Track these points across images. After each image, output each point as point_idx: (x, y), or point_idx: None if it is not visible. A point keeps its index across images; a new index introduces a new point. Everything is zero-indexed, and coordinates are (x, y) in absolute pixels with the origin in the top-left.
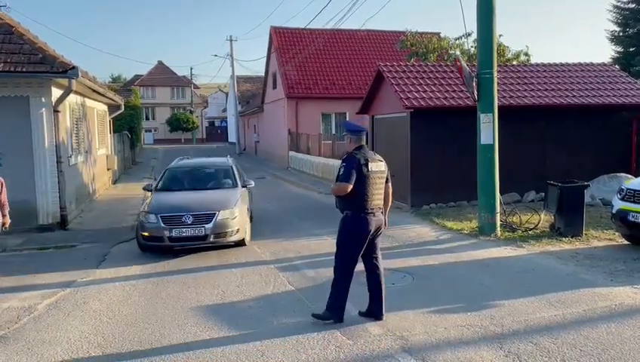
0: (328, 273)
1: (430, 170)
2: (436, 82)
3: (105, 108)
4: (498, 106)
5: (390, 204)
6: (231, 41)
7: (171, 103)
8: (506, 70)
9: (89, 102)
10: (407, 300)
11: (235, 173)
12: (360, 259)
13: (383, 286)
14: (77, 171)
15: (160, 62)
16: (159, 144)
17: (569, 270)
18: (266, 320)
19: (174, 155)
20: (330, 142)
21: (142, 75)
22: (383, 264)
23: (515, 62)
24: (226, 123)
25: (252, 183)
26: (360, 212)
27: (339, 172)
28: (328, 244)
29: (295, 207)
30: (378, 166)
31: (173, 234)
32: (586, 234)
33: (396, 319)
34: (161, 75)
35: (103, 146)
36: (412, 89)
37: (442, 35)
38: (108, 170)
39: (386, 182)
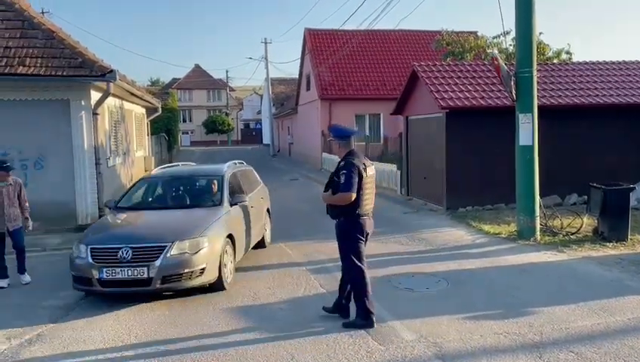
0: None
1: (466, 171)
2: (473, 82)
3: (143, 110)
4: (538, 106)
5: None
6: (265, 43)
7: (207, 106)
8: (546, 69)
9: (127, 105)
10: (441, 305)
11: (225, 186)
12: (340, 258)
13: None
14: (115, 173)
15: (197, 66)
16: (196, 146)
17: (613, 276)
18: (297, 323)
19: (210, 157)
20: (364, 143)
21: (179, 79)
22: (417, 267)
23: (555, 61)
24: (261, 125)
25: (245, 200)
26: (356, 216)
27: (336, 179)
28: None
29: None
30: (372, 170)
31: (104, 275)
32: (631, 239)
33: (430, 325)
34: (198, 78)
35: (141, 148)
36: (447, 89)
37: (479, 34)
38: (145, 171)
39: None
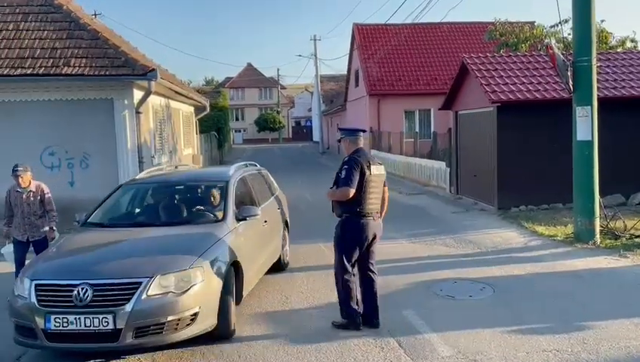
0: (398, 281)
1: (519, 168)
2: (527, 73)
3: (191, 109)
4: (598, 98)
5: (386, 208)
6: (315, 40)
7: (259, 104)
8: (608, 58)
9: (174, 104)
10: (483, 316)
11: (230, 196)
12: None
13: (377, 294)
14: None
15: (249, 65)
16: (248, 144)
17: None
18: (326, 331)
19: (260, 154)
20: (412, 140)
21: (232, 78)
22: (462, 271)
23: (619, 50)
24: (311, 122)
25: (257, 213)
26: (359, 216)
27: (338, 175)
28: (402, 249)
29: None
30: (379, 169)
31: (52, 325)
32: None
33: (469, 338)
34: (250, 77)
35: (189, 146)
36: (499, 81)
37: (536, 24)
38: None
39: (384, 185)
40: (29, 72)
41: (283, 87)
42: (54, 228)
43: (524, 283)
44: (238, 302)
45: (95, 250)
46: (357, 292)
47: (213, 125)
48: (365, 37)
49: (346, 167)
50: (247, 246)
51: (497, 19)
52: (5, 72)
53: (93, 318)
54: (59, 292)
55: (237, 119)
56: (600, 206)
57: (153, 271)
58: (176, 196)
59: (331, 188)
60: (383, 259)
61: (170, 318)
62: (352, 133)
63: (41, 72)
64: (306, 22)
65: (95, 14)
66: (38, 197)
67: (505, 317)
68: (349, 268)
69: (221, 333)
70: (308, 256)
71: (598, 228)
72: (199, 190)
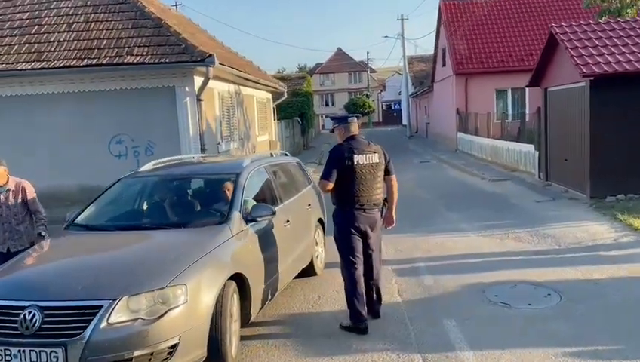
0: (450, 282)
1: (617, 151)
2: (628, 42)
3: (268, 95)
4: None
5: (396, 198)
6: (402, 20)
7: (349, 88)
8: None
9: (246, 91)
10: (539, 332)
11: (239, 192)
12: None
13: (382, 290)
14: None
15: (339, 49)
16: None
17: None
18: (346, 341)
19: None
20: (500, 121)
21: (322, 63)
22: (527, 273)
23: None
24: (400, 105)
25: (270, 213)
26: (346, 207)
27: None
28: (466, 243)
29: (449, 195)
30: (368, 158)
31: None
32: None
33: (513, 360)
34: (340, 62)
35: (265, 133)
36: (593, 52)
37: None
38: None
39: (387, 173)
40: (94, 62)
41: (373, 71)
42: (44, 233)
43: (602, 291)
44: (244, 323)
45: (61, 262)
46: (361, 287)
47: (297, 111)
48: (452, 12)
49: (327, 158)
50: (257, 254)
51: None
52: (73, 63)
53: (40, 351)
54: (3, 316)
55: (327, 104)
56: None
57: (119, 290)
58: (178, 193)
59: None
60: (441, 255)
61: (137, 353)
62: (343, 120)
63: (105, 62)
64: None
65: (176, 5)
66: (19, 198)
67: (566, 334)
68: (350, 263)
69: None
70: None
71: None
72: (205, 185)
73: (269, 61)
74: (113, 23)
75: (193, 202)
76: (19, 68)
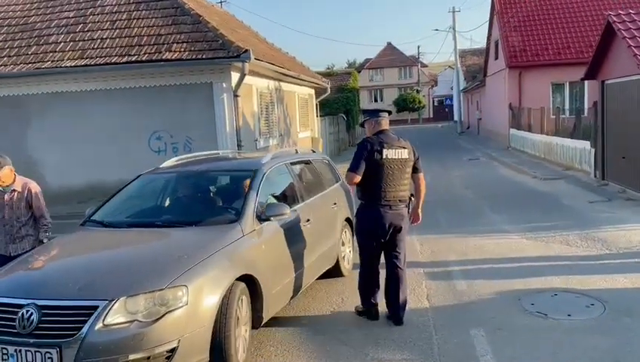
0: (484, 288)
1: None
2: None
3: (310, 91)
4: None
5: (423, 195)
6: (454, 12)
7: (399, 84)
8: None
9: (287, 87)
10: (576, 346)
11: (254, 190)
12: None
13: (402, 291)
14: None
15: (389, 44)
16: None
17: None
18: (362, 348)
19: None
20: (554, 117)
21: (371, 59)
22: (571, 280)
23: None
24: (451, 100)
25: (286, 212)
26: (372, 203)
27: None
28: (508, 246)
29: (495, 194)
30: (397, 153)
31: None
32: None
33: None
34: (389, 57)
35: (307, 129)
36: None
37: None
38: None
39: (415, 171)
40: (133, 59)
41: (424, 65)
42: (45, 241)
43: None
44: (256, 326)
45: (65, 260)
46: (377, 285)
47: (342, 107)
48: (505, 2)
49: (355, 151)
50: (272, 254)
51: None
52: (114, 60)
53: (35, 352)
54: (2, 314)
55: (375, 100)
56: None
57: (116, 291)
58: (193, 190)
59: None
60: (479, 259)
61: (133, 357)
62: (375, 113)
63: (144, 58)
64: None
65: (221, 2)
66: (24, 199)
67: (606, 350)
68: (366, 260)
69: None
70: None
71: None
72: (221, 182)
73: (318, 58)
74: (154, 20)
75: (208, 200)
76: (63, 65)
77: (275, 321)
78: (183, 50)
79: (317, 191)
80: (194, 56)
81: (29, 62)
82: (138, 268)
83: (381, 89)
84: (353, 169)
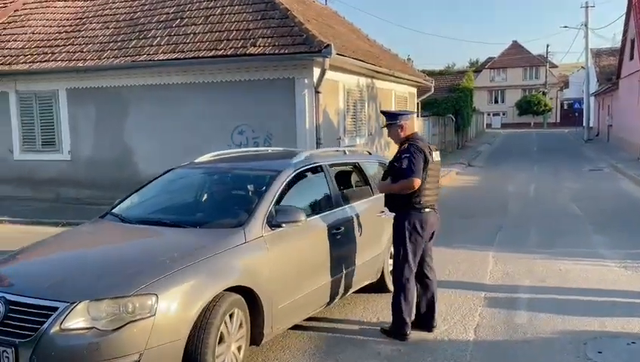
0: (548, 324)
1: None
2: None
3: (411, 90)
4: None
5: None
6: (587, 7)
7: (523, 85)
8: None
9: (381, 84)
10: None
11: (269, 194)
12: None
13: (437, 300)
14: None
15: (514, 42)
16: (505, 128)
17: None
18: None
19: (510, 139)
20: None
21: (494, 58)
22: None
23: None
24: (581, 104)
25: (302, 219)
26: (418, 209)
27: (397, 165)
28: (600, 275)
29: (606, 211)
30: (437, 155)
31: None
32: None
33: None
34: (514, 56)
35: None
36: None
37: None
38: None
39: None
40: (219, 53)
41: (553, 66)
42: None
43: None
44: (257, 343)
45: (56, 254)
46: (413, 297)
47: (451, 107)
48: None
49: (407, 155)
50: (281, 265)
51: None
52: (202, 54)
53: None
54: None
55: (496, 101)
56: None
57: (80, 293)
58: (212, 188)
59: (383, 179)
60: (556, 287)
61: None
62: (405, 115)
63: (230, 52)
64: None
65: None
66: None
67: None
68: (411, 270)
69: None
70: (459, 265)
71: None
72: (241, 182)
73: (437, 57)
74: (244, 14)
75: (222, 200)
76: (156, 59)
77: (297, 337)
78: (267, 45)
79: (361, 197)
80: (277, 51)
81: (128, 56)
82: (114, 269)
83: (503, 90)
84: (415, 174)
